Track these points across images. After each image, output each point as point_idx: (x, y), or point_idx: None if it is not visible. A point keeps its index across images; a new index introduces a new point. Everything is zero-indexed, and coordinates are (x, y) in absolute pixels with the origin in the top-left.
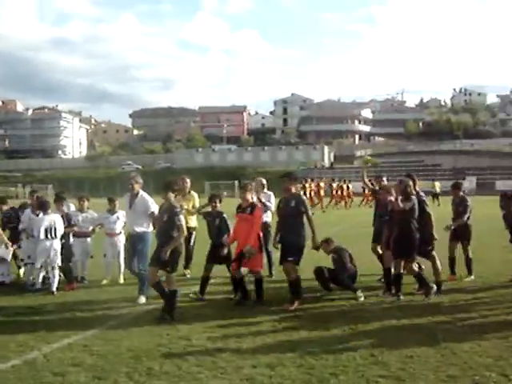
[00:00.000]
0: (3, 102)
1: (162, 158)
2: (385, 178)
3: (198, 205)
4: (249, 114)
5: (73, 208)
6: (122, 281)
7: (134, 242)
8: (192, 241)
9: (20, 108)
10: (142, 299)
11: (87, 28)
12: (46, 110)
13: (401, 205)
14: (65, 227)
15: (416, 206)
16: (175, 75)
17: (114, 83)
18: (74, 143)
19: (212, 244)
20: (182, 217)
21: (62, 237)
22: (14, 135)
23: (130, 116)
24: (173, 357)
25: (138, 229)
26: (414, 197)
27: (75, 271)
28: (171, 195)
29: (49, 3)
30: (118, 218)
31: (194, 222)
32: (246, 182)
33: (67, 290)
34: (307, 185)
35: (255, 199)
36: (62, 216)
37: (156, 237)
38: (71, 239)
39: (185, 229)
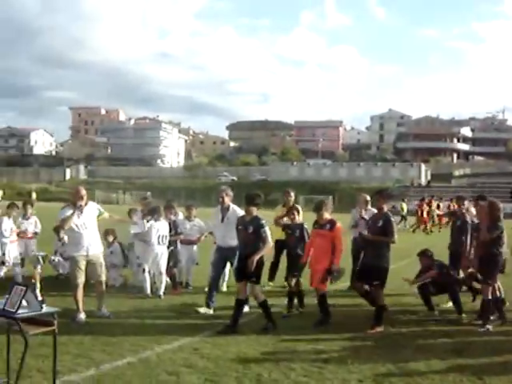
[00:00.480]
0: (107, 112)
1: (257, 171)
2: (466, 202)
3: (301, 218)
4: (344, 128)
5: (181, 216)
6: (225, 289)
7: (227, 255)
8: None
9: (122, 117)
10: (245, 308)
11: (187, 41)
12: (148, 120)
13: (487, 236)
14: (171, 235)
15: (504, 233)
16: (271, 89)
17: (212, 95)
18: (172, 153)
19: (290, 256)
20: (267, 228)
21: (170, 243)
22: (116, 143)
23: (227, 128)
24: (280, 365)
25: (233, 242)
26: (501, 223)
27: (180, 276)
28: (254, 209)
29: (152, 18)
30: None
31: None
32: (321, 201)
33: (173, 294)
34: (425, 203)
35: (358, 216)
36: (169, 223)
37: (239, 249)
38: (179, 246)
39: (271, 240)
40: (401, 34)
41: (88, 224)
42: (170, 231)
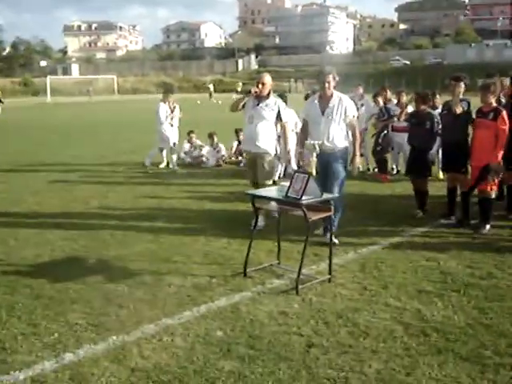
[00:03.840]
0: (273, 0)
1: (430, 54)
2: None
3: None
4: None
5: (395, 101)
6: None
7: (331, 159)
8: None
9: (288, 5)
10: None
11: None
12: (314, 5)
13: None
14: (383, 120)
15: None
16: None
17: None
18: (341, 38)
19: (413, 150)
20: None
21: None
22: (283, 32)
23: (396, 10)
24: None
25: (339, 143)
26: None
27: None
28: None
29: None
30: None
31: None
32: (488, 82)
33: (381, 179)
34: None
35: None
36: (380, 109)
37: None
38: (389, 132)
39: None
40: None
41: (257, 119)
42: (383, 116)
